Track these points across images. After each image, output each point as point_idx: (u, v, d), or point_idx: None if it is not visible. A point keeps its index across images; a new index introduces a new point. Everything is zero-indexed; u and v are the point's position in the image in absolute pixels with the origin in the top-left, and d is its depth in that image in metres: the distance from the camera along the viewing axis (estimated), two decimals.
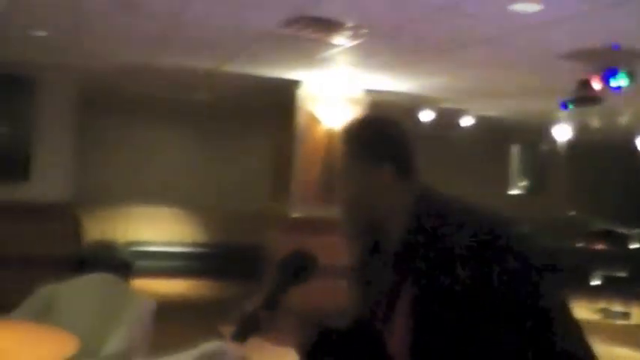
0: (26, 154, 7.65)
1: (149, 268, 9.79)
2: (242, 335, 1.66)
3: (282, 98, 8.64)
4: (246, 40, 6.24)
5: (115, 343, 4.25)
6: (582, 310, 7.98)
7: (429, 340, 1.50)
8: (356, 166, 1.66)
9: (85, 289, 4.82)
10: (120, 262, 8.30)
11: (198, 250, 10.85)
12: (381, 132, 1.69)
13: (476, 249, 1.45)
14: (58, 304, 4.71)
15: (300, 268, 1.73)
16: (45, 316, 4.55)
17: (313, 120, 8.26)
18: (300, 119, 8.26)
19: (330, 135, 8.13)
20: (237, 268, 9.87)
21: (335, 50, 6.32)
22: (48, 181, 7.62)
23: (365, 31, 5.49)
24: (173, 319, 4.69)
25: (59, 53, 7.24)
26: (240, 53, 6.88)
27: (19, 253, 7.20)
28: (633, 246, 10.54)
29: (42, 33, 6.48)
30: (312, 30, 5.58)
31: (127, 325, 4.40)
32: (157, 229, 10.87)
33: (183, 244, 10.84)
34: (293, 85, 8.20)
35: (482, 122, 10.16)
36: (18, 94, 7.68)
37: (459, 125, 10.13)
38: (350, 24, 5.35)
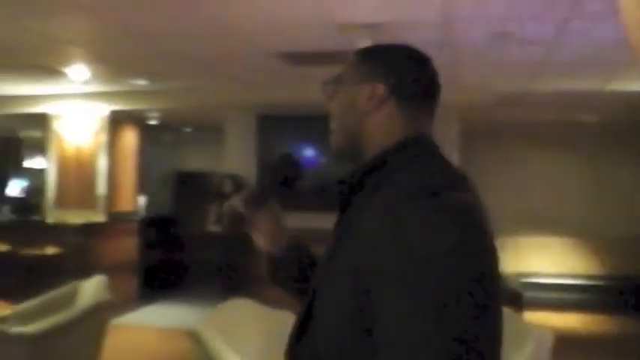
0: None
1: (539, 300, 9.50)
2: (223, 222, 1.67)
3: None
4: (629, 56, 5.90)
5: None
6: None
7: (328, 277, 1.34)
8: (354, 76, 1.47)
9: None
10: (510, 293, 8.24)
11: (592, 282, 10.04)
12: (398, 54, 1.48)
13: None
14: None
15: (286, 171, 1.68)
16: None
17: None
18: None
19: None
20: (635, 302, 9.23)
21: None
22: None
23: None
24: (566, 355, 4.55)
25: None
26: (623, 70, 6.55)
27: None
28: None
29: None
30: None
31: (524, 358, 4.37)
32: (546, 259, 10.47)
33: (575, 276, 10.29)
34: None
35: None
36: None
37: None
38: None
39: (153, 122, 10.63)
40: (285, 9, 4.84)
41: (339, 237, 1.36)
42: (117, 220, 9.32)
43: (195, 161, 12.91)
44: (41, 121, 9.72)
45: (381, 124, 1.41)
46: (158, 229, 10.47)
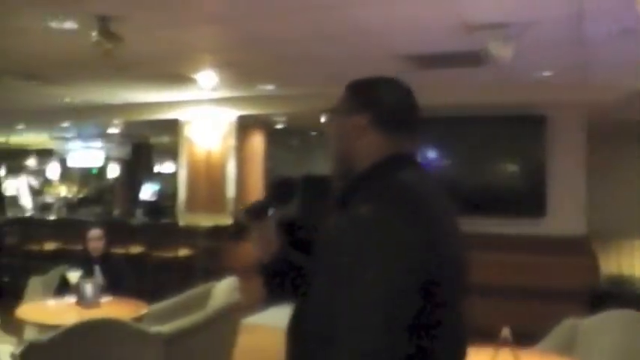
0: (540, 191, 7.80)
1: None
2: (235, 235, 2.28)
3: None
4: None
5: None
6: None
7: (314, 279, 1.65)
8: (343, 108, 1.76)
9: (606, 325, 4.64)
10: (638, 298, 7.90)
11: None
12: (378, 86, 1.77)
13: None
14: (580, 340, 4.60)
15: (281, 189, 1.97)
16: (567, 350, 4.51)
17: None
18: None
19: None
20: None
21: None
22: (563, 215, 7.67)
23: None
24: None
25: (564, 89, 7.32)
26: None
27: (541, 286, 7.34)
28: None
29: (548, 73, 6.66)
30: None
31: None
32: None
33: None
34: None
35: None
36: (528, 134, 7.95)
37: None
38: None
39: (279, 126, 10.79)
40: (412, 11, 4.81)
41: (327, 238, 1.66)
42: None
43: (320, 165, 13.03)
44: (172, 126, 10.08)
45: (366, 148, 1.71)
46: (284, 233, 10.60)
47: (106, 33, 4.91)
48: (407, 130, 1.75)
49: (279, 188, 1.99)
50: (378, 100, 1.74)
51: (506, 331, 3.83)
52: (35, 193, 15.59)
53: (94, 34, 4.91)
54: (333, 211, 1.76)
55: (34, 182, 16.37)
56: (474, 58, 6.05)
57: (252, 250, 1.99)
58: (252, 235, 1.96)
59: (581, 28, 5.13)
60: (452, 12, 4.79)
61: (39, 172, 17.15)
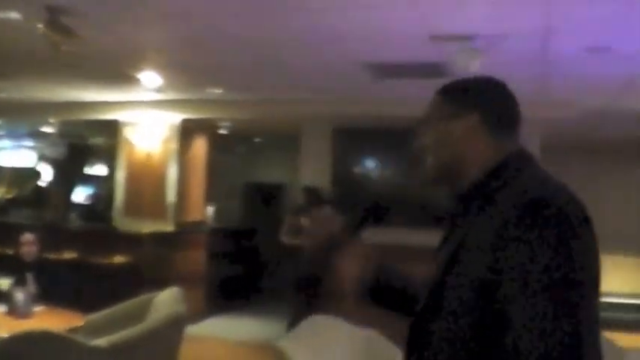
0: None
1: (613, 320, 9.14)
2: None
3: None
4: None
5: None
6: None
7: (449, 281, 1.47)
8: (444, 112, 1.62)
9: None
10: None
11: None
12: (480, 85, 1.65)
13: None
14: None
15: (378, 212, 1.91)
16: None
17: None
18: None
19: None
20: None
21: None
22: None
23: None
24: None
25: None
26: None
27: None
28: None
29: None
30: None
31: None
32: (618, 279, 10.12)
33: None
34: None
35: None
36: None
37: None
38: None
39: (223, 132, 10.54)
40: (380, 17, 4.69)
41: (455, 248, 1.48)
42: (185, 230, 9.22)
43: (264, 172, 12.82)
44: (110, 128, 9.72)
45: (478, 150, 1.57)
46: (227, 241, 10.36)
47: (55, 25, 4.60)
48: (515, 126, 1.63)
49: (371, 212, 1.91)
50: (486, 96, 1.63)
51: None
52: None
53: (40, 25, 4.60)
54: (448, 221, 1.66)
55: None
56: (436, 70, 5.93)
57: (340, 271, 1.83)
58: (344, 257, 1.82)
59: (547, 44, 5.09)
60: (419, 21, 4.69)
61: None
